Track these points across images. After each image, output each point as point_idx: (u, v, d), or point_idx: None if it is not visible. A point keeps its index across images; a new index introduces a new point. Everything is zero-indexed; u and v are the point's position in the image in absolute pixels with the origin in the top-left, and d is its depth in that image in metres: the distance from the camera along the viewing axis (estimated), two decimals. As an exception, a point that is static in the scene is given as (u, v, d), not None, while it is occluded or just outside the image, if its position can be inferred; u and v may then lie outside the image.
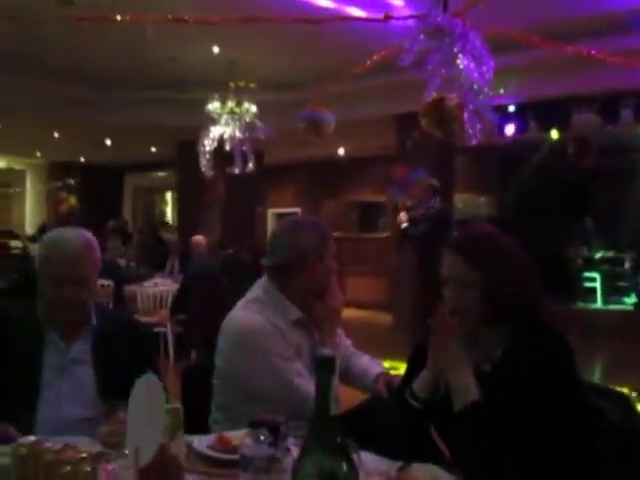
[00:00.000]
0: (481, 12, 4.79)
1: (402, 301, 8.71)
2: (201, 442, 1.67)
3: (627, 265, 10.13)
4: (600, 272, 10.17)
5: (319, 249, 2.11)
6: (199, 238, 8.37)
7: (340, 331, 2.31)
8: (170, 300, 7.29)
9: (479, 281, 1.61)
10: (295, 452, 1.19)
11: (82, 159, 14.10)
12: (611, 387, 1.96)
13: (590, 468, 1.54)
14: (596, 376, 6.94)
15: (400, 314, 8.78)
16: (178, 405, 1.37)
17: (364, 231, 12.97)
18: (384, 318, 9.69)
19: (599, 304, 10.05)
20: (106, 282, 6.79)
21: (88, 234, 2.05)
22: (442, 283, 1.68)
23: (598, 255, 10.37)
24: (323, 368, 1.05)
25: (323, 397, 1.04)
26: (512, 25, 5.89)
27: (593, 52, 5.93)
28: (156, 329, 6.91)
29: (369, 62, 6.03)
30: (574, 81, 7.23)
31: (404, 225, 7.01)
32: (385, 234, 10.16)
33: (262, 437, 1.28)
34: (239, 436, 1.55)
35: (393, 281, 9.59)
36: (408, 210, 7.17)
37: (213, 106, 8.12)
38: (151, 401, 1.18)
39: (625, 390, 3.76)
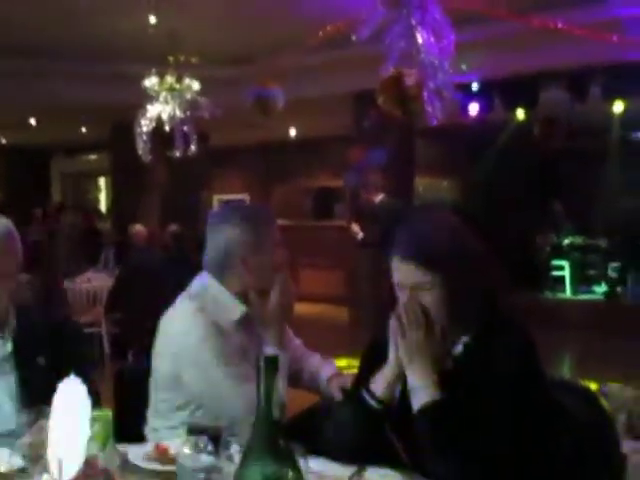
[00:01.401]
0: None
1: (362, 294, 8.76)
2: (137, 452, 1.65)
3: (597, 252, 10.38)
4: (569, 260, 10.41)
5: (252, 238, 2.09)
6: (138, 227, 8.28)
7: (288, 330, 2.30)
8: (105, 297, 7.19)
9: (435, 283, 1.63)
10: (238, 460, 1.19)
11: (3, 141, 13.72)
12: (578, 383, 2.02)
13: (556, 467, 1.59)
14: (565, 370, 7.14)
15: (359, 308, 8.83)
16: (108, 411, 1.35)
17: (319, 219, 12.98)
18: (341, 313, 9.74)
19: (568, 294, 10.31)
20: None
21: (7, 222, 1.98)
22: (396, 287, 1.69)
23: (567, 241, 10.60)
24: (265, 369, 1.05)
25: (266, 400, 1.04)
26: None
27: (560, 25, 6.04)
28: (90, 329, 6.81)
29: (321, 34, 6.02)
30: (541, 56, 7.31)
31: (359, 236, 7.25)
32: (342, 222, 10.19)
33: (201, 445, 1.27)
34: (177, 445, 1.54)
35: (352, 272, 9.62)
36: (357, 219, 7.44)
37: (150, 82, 7.97)
38: (75, 408, 1.16)
39: (594, 385, 3.88)
